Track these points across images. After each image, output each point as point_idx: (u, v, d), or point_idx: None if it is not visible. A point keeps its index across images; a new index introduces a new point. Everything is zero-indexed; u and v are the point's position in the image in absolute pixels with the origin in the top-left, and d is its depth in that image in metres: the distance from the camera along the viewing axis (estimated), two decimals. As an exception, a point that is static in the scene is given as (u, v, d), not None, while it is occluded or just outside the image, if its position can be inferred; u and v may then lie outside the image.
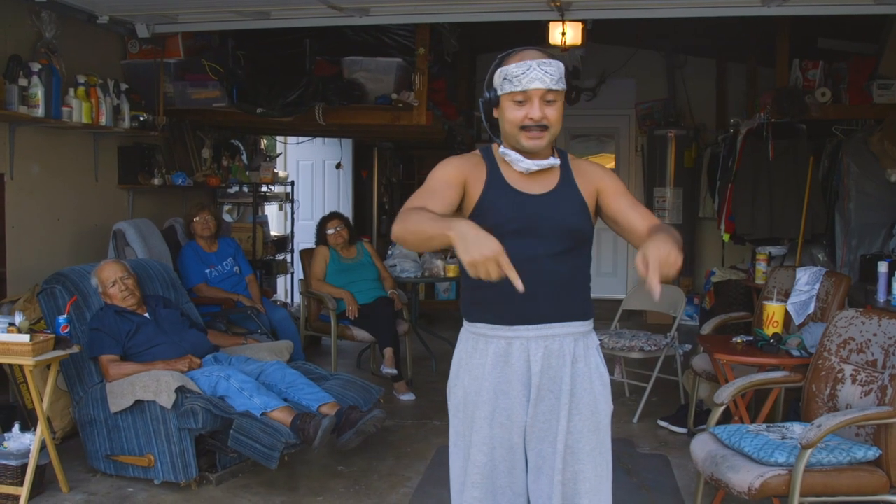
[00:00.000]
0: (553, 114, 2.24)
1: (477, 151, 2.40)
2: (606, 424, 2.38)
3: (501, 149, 2.33)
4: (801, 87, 6.35)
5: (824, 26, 6.60)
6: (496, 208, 2.28)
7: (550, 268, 2.27)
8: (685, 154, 8.81)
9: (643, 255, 1.99)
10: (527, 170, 2.29)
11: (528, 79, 2.19)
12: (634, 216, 2.33)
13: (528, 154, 2.29)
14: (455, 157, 2.37)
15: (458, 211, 2.32)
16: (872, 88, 6.12)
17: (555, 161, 2.32)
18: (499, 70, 2.27)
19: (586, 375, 2.34)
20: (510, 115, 2.25)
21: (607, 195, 2.36)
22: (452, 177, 2.29)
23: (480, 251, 1.88)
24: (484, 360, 2.33)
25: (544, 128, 2.23)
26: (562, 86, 2.25)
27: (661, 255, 1.97)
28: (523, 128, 2.24)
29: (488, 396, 2.32)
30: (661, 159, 8.91)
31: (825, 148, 6.56)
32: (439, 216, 2.08)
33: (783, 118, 6.25)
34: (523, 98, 2.22)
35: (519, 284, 1.92)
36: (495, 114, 2.32)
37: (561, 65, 2.26)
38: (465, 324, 2.41)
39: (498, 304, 2.30)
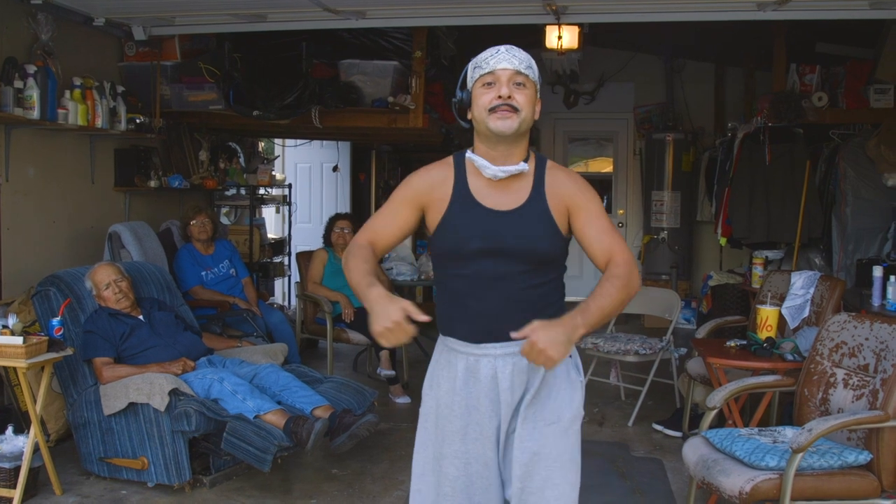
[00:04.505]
0: (522, 99, 2.18)
1: (450, 159, 2.35)
2: (575, 430, 2.31)
3: (468, 154, 2.28)
4: (799, 91, 6.34)
5: (822, 31, 6.60)
6: (459, 227, 2.24)
7: (517, 286, 2.22)
8: (683, 158, 8.80)
9: (529, 329, 2.03)
10: (494, 176, 2.22)
11: (496, 60, 2.20)
12: (597, 248, 2.25)
13: (497, 159, 2.23)
14: (423, 171, 2.35)
15: (423, 224, 2.34)
16: (869, 93, 6.12)
17: (523, 167, 2.24)
18: (471, 62, 2.26)
19: (551, 383, 2.28)
20: (479, 100, 2.21)
21: (577, 218, 2.26)
22: (410, 197, 2.32)
23: (383, 324, 2.01)
24: (455, 373, 2.31)
25: (513, 109, 2.17)
26: (531, 74, 2.22)
27: (535, 342, 2.00)
28: (491, 109, 2.17)
29: (461, 411, 2.30)
30: (659, 163, 8.91)
31: (822, 152, 6.57)
32: (368, 273, 2.18)
33: (780, 122, 6.25)
34: (492, 80, 2.19)
35: (424, 318, 2.03)
36: (469, 115, 2.28)
37: (532, 59, 2.24)
38: (440, 335, 2.39)
39: (466, 322, 2.28)
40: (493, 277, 2.21)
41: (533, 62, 2.25)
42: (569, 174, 2.33)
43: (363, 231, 2.37)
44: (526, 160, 2.27)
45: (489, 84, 2.19)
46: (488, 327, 2.24)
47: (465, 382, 2.30)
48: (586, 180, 2.33)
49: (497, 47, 2.22)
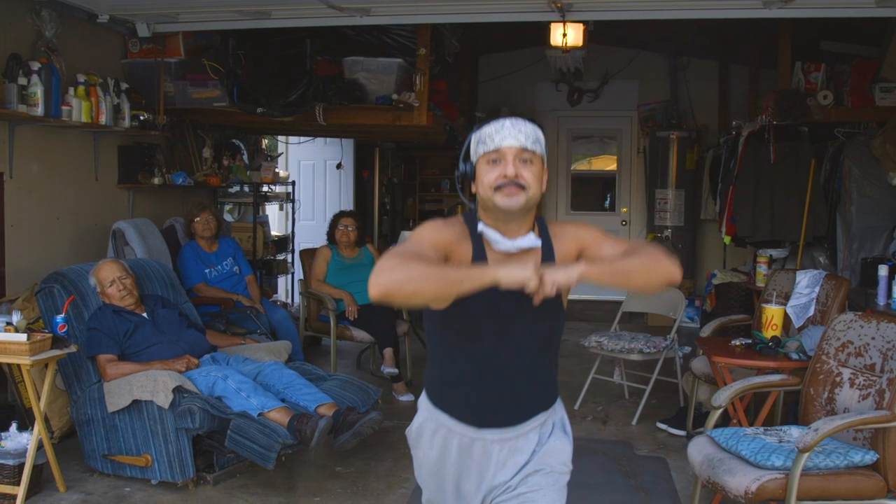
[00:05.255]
0: (529, 175, 2.07)
1: (460, 219, 2.19)
2: (562, 486, 2.25)
3: (480, 226, 2.13)
4: (804, 89, 6.33)
5: (827, 29, 6.59)
6: (476, 303, 2.02)
7: (522, 371, 2.15)
8: (687, 156, 8.79)
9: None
10: (506, 251, 2.09)
11: (501, 136, 2.08)
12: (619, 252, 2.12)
13: (508, 229, 2.11)
14: (440, 221, 2.19)
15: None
16: (875, 91, 6.11)
17: (535, 242, 2.12)
18: (474, 134, 2.16)
19: (542, 442, 2.23)
20: (485, 177, 2.09)
21: (591, 250, 2.16)
22: (439, 241, 2.10)
23: (528, 271, 1.83)
24: (446, 450, 2.24)
25: (520, 186, 2.05)
26: (538, 148, 2.11)
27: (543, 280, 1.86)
28: (497, 188, 2.06)
29: (450, 482, 2.26)
30: (663, 161, 8.90)
31: (827, 151, 6.54)
32: (450, 263, 2.02)
33: (785, 121, 6.24)
34: (497, 157, 2.08)
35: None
36: (473, 189, 2.17)
37: (538, 129, 2.14)
38: (428, 401, 2.28)
39: (465, 405, 2.19)
40: (499, 363, 2.14)
41: (540, 134, 2.14)
42: (569, 226, 2.25)
43: (398, 253, 1.97)
44: (533, 230, 2.16)
45: (494, 161, 2.09)
46: (488, 414, 2.17)
47: (458, 458, 2.23)
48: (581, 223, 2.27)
49: (502, 121, 2.11)
